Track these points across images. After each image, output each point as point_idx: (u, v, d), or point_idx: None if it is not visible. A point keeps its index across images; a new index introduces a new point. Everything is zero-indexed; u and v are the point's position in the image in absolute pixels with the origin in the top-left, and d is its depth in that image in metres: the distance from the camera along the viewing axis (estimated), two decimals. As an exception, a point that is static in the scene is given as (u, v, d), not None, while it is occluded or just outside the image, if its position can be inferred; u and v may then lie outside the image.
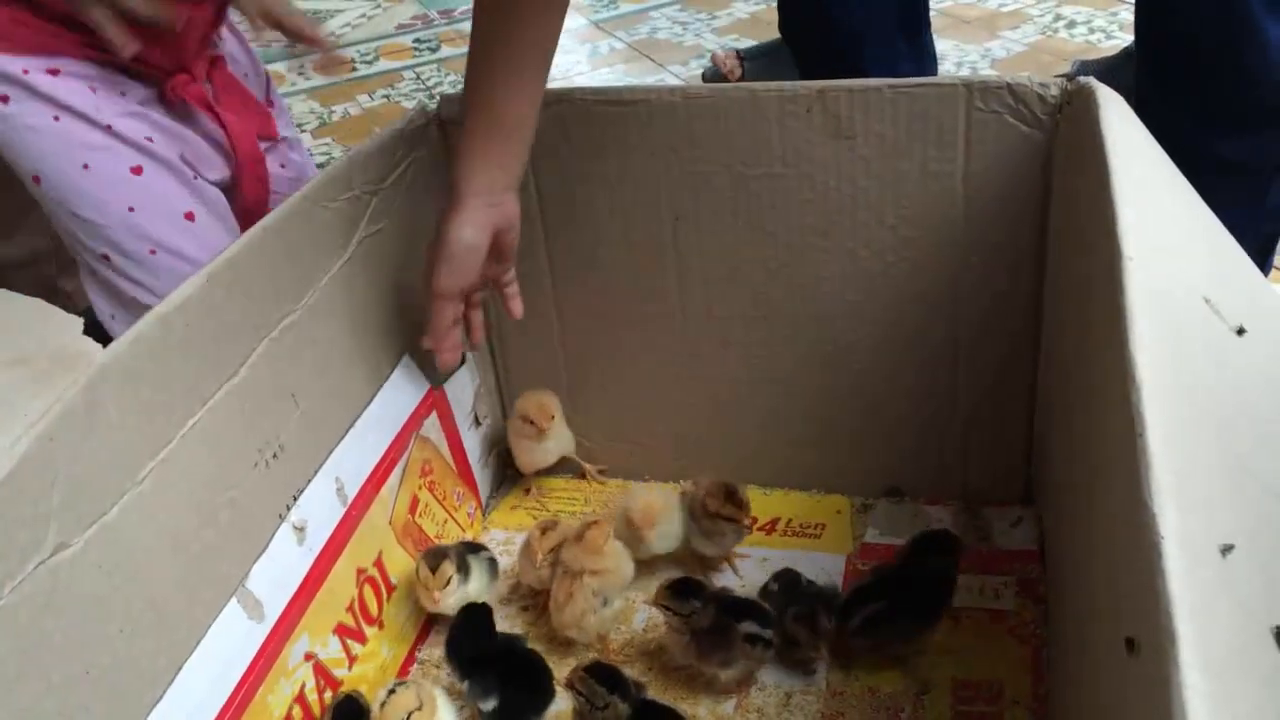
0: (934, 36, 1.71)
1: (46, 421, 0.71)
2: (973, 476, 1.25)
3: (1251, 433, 0.70)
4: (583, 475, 1.39)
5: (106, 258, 1.27)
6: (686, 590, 1.08)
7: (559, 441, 1.33)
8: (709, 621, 1.07)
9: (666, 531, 1.20)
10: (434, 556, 1.14)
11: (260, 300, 0.95)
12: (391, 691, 0.99)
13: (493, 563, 1.20)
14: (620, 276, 1.25)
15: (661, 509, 1.20)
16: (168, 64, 1.29)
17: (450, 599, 1.14)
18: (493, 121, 1.02)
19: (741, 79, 2.50)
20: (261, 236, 0.97)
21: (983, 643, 1.09)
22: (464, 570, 1.14)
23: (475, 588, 1.16)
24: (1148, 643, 0.50)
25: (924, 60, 1.68)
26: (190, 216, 1.30)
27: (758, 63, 2.55)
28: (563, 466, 1.38)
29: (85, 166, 1.24)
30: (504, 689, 1.07)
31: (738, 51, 2.61)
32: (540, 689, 1.09)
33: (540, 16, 0.98)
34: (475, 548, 1.20)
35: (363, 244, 1.10)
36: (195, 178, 1.31)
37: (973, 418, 1.22)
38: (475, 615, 1.13)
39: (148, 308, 0.85)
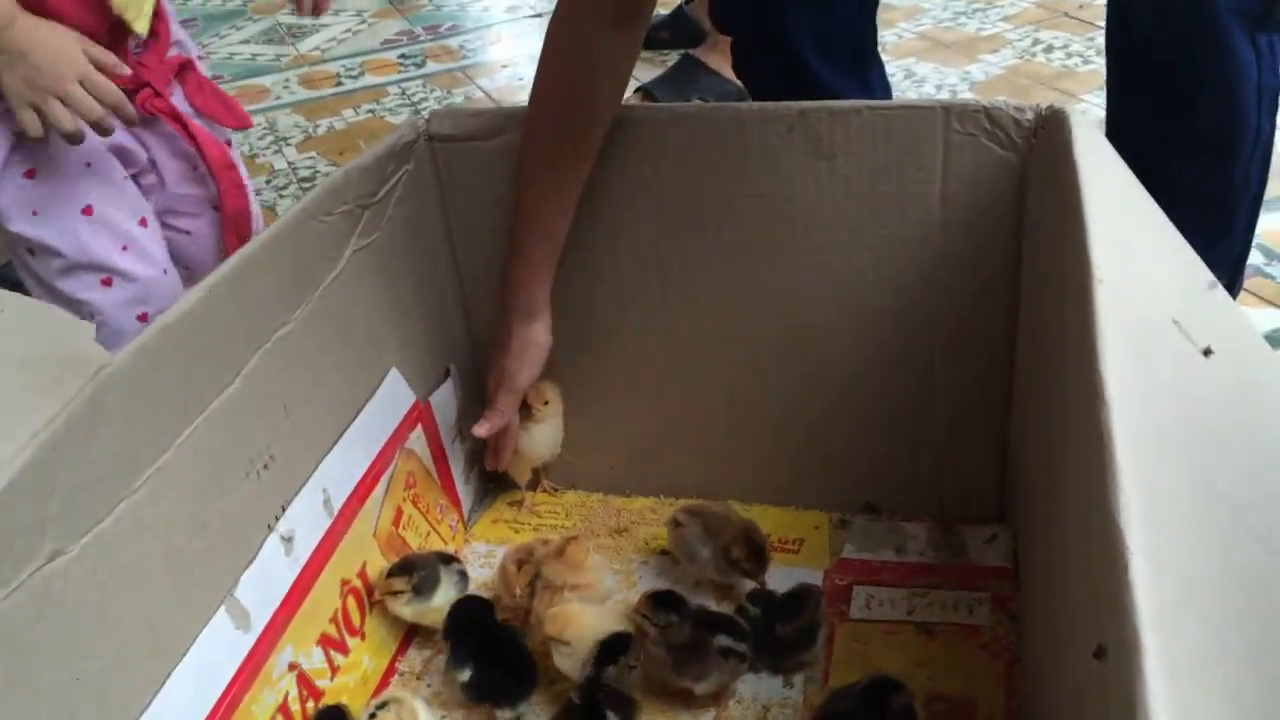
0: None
1: (51, 429, 0.72)
2: (948, 494, 1.27)
3: (1218, 451, 0.72)
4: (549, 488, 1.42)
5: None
6: (667, 602, 1.09)
7: (546, 434, 1.33)
8: (685, 636, 1.08)
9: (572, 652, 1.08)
10: (401, 566, 1.15)
11: (257, 311, 0.97)
12: (372, 716, 1.01)
13: (463, 575, 1.20)
14: (603, 293, 1.26)
15: (568, 628, 1.09)
16: (130, 83, 1.32)
17: (404, 609, 1.15)
18: (554, 248, 1.21)
19: None
20: (261, 248, 0.98)
21: (956, 657, 1.11)
22: (429, 586, 1.15)
23: (440, 602, 1.16)
24: (1115, 653, 0.52)
25: (877, 94, 1.70)
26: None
27: (665, 90, 2.58)
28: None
29: None
30: (480, 663, 1.10)
31: (643, 90, 2.61)
32: (521, 673, 1.11)
33: (580, 176, 1.17)
34: (449, 559, 1.21)
35: (354, 257, 1.12)
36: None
37: (949, 435, 1.24)
38: (475, 610, 1.17)
39: None
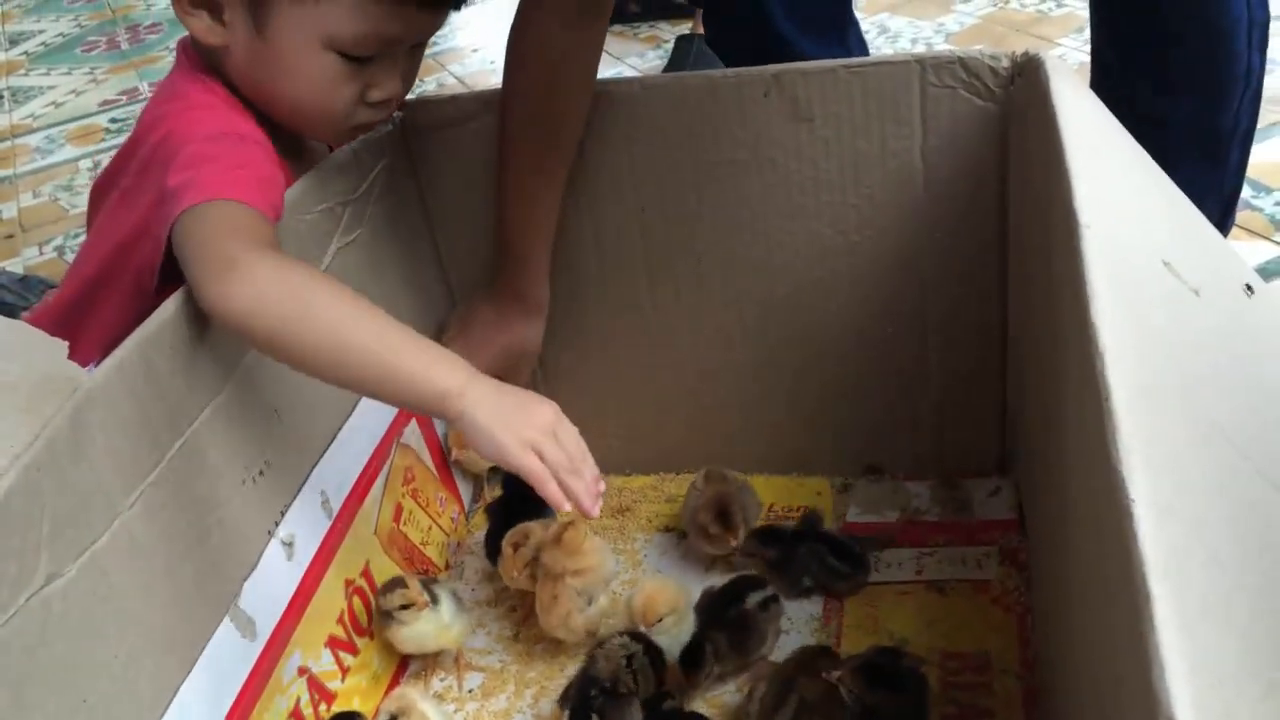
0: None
1: (33, 451, 0.71)
2: (949, 449, 1.26)
3: (1216, 390, 0.71)
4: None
5: None
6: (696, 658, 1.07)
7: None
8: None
9: (671, 625, 1.09)
10: (392, 584, 1.12)
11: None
12: None
13: (454, 593, 1.16)
14: (589, 268, 1.25)
15: (666, 601, 1.10)
16: None
17: (421, 626, 1.11)
18: (549, 244, 1.22)
19: None
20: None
21: (968, 613, 1.11)
22: (432, 598, 1.11)
23: (449, 617, 1.13)
24: (1124, 605, 0.51)
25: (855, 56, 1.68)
26: None
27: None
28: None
29: None
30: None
31: None
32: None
33: (564, 174, 1.18)
34: (433, 581, 1.17)
35: (338, 255, 1.11)
36: None
37: (946, 391, 1.23)
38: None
39: None
